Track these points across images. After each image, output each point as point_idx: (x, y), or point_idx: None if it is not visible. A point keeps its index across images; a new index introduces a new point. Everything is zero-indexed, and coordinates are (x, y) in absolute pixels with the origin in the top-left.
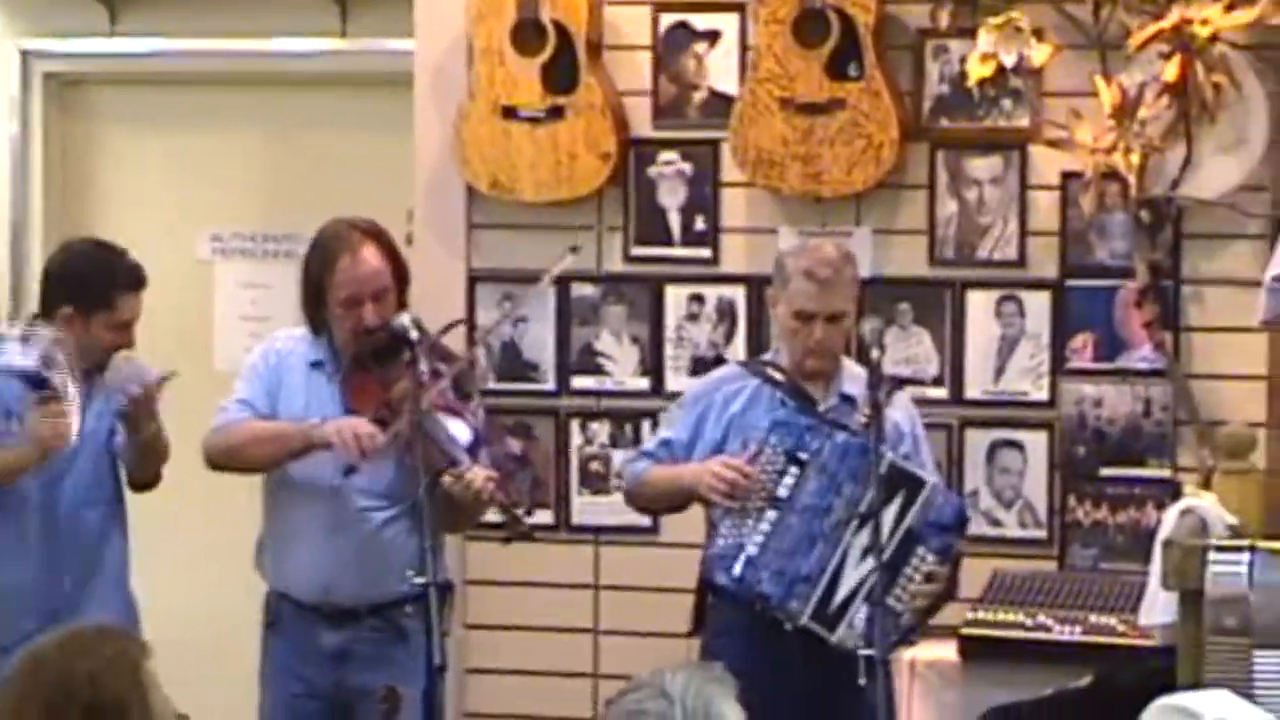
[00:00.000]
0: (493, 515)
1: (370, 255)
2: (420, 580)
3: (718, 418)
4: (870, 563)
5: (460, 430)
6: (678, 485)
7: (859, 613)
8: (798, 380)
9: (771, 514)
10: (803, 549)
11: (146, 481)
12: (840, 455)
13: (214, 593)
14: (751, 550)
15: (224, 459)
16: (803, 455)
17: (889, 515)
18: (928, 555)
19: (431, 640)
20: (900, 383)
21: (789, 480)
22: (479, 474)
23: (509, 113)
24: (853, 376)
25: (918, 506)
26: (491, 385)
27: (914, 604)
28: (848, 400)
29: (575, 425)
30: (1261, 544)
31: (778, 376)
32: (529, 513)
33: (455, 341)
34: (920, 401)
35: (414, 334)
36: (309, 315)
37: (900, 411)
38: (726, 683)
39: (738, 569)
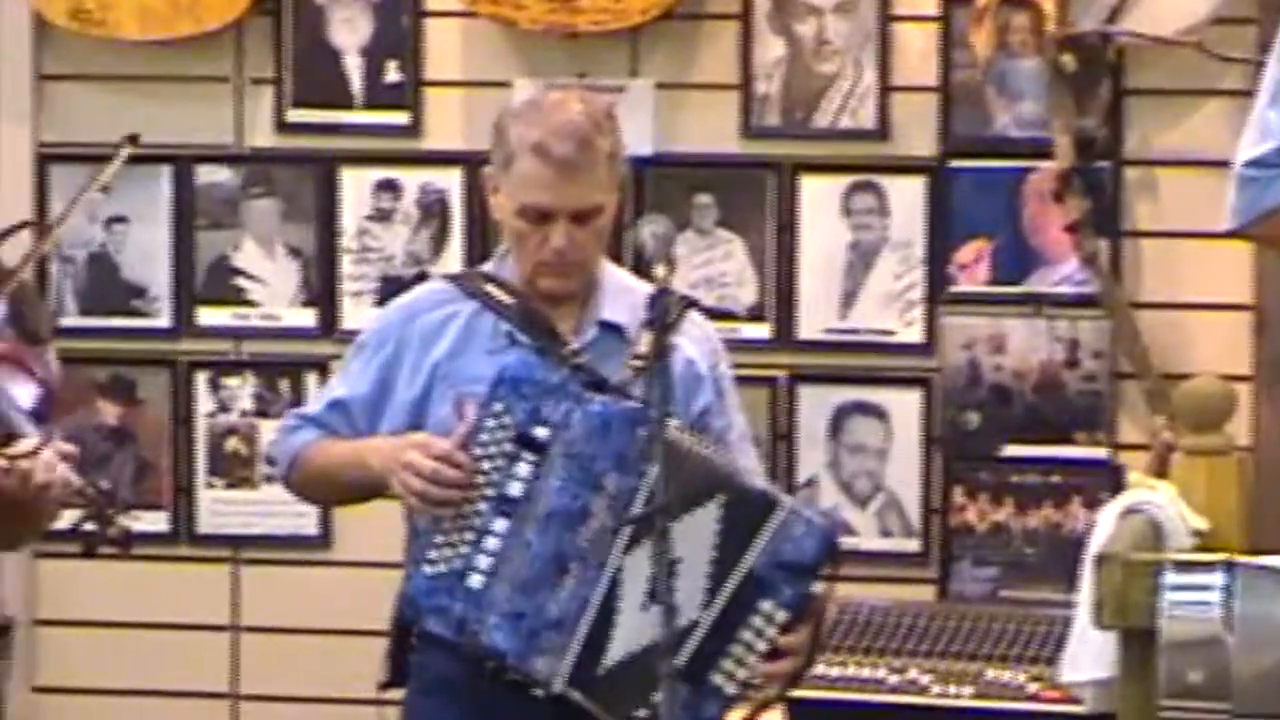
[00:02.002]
0: (73, 517)
1: None
2: None
3: (415, 365)
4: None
5: (23, 391)
6: (363, 474)
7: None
8: (533, 303)
9: (501, 523)
10: (547, 578)
11: None
12: (598, 430)
13: None
14: (475, 581)
15: None
16: (539, 432)
17: (700, 531)
18: (777, 612)
19: None
20: (692, 304)
21: (523, 470)
22: (45, 454)
23: None
24: (619, 292)
25: (764, 539)
26: (72, 321)
27: (756, 686)
28: (612, 330)
29: (203, 381)
30: (1242, 559)
31: (504, 298)
32: (125, 510)
33: (19, 252)
34: (730, 344)
35: None
36: None
37: (693, 340)
38: None
39: (457, 609)
